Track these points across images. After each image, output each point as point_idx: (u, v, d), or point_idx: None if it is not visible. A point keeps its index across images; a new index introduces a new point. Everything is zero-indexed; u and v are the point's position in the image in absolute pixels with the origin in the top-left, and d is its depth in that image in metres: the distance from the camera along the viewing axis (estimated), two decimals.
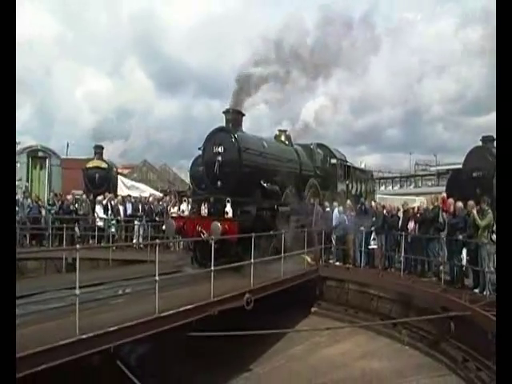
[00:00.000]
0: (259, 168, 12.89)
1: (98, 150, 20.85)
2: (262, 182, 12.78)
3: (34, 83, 72.04)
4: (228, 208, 11.62)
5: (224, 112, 12.72)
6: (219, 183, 12.17)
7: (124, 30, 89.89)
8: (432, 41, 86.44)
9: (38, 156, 22.23)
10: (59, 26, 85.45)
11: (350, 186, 19.98)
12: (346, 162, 19.93)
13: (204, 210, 12.19)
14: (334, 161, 18.53)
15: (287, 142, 15.78)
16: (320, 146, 18.15)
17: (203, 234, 11.18)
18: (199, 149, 12.90)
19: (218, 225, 10.77)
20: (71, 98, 72.55)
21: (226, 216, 11.56)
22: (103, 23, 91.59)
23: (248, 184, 12.32)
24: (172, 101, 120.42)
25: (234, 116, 12.66)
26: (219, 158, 12.09)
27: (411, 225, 12.40)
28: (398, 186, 48.60)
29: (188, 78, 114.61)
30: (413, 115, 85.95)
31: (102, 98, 70.26)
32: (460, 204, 11.02)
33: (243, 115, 12.98)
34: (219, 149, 12.11)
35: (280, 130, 16.04)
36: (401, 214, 13.07)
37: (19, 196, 16.12)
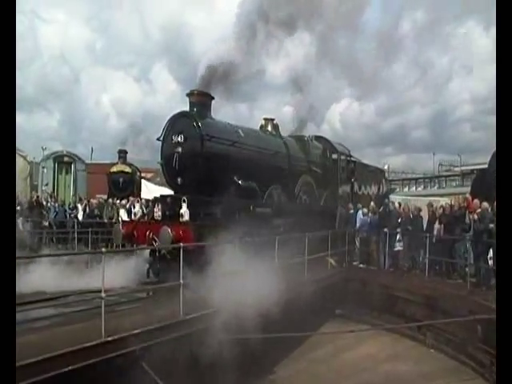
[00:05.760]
0: (231, 161, 10.84)
1: (122, 155, 21.06)
2: (235, 179, 10.70)
3: (64, 90, 73.57)
4: (184, 209, 9.64)
5: (188, 94, 10.74)
6: (179, 180, 10.35)
7: (153, 35, 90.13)
8: (461, 40, 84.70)
9: (63, 161, 22.78)
10: (89, 33, 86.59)
11: (356, 186, 17.54)
12: (351, 157, 17.32)
13: (157, 213, 10.32)
14: (335, 156, 15.96)
15: (274, 133, 13.60)
16: (318, 138, 15.97)
17: (155, 241, 9.42)
18: (158, 139, 10.94)
19: (167, 231, 9.05)
20: (99, 104, 73.76)
21: (181, 219, 9.63)
22: (132, 29, 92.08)
23: (216, 180, 10.29)
24: None
25: (201, 99, 10.66)
26: (179, 150, 10.22)
27: (437, 226, 12.21)
28: (422, 186, 47.87)
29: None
30: (440, 116, 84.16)
31: (129, 103, 71.02)
32: (486, 205, 10.80)
33: (212, 98, 11.00)
34: (179, 138, 10.24)
35: (266, 119, 13.83)
36: (426, 215, 12.89)
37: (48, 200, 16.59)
